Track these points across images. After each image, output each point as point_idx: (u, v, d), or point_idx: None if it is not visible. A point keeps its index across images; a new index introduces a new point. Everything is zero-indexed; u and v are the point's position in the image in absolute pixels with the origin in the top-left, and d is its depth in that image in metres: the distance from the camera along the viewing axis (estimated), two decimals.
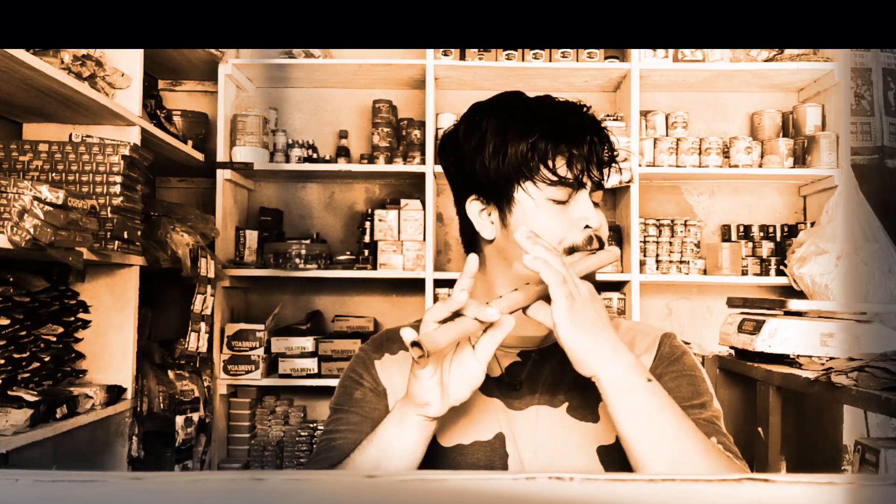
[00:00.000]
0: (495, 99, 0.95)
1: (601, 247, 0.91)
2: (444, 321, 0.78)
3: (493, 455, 0.90)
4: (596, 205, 0.92)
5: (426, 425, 0.82)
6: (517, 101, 0.94)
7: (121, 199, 2.00)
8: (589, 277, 0.89)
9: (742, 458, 0.87)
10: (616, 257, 0.90)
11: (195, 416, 2.50)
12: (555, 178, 0.88)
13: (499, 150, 0.89)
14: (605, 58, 2.96)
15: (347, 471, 0.84)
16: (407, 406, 0.82)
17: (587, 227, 0.90)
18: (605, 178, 0.93)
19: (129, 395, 2.14)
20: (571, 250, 0.89)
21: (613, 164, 0.93)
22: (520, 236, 0.81)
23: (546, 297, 0.80)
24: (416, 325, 0.84)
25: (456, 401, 0.81)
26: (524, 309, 0.82)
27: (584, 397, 0.92)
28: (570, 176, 0.88)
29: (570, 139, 0.88)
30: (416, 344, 0.74)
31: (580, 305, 0.78)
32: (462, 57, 2.95)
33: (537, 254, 0.79)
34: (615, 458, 0.87)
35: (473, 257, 0.81)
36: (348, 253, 2.99)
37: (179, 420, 2.42)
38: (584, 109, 0.93)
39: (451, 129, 0.97)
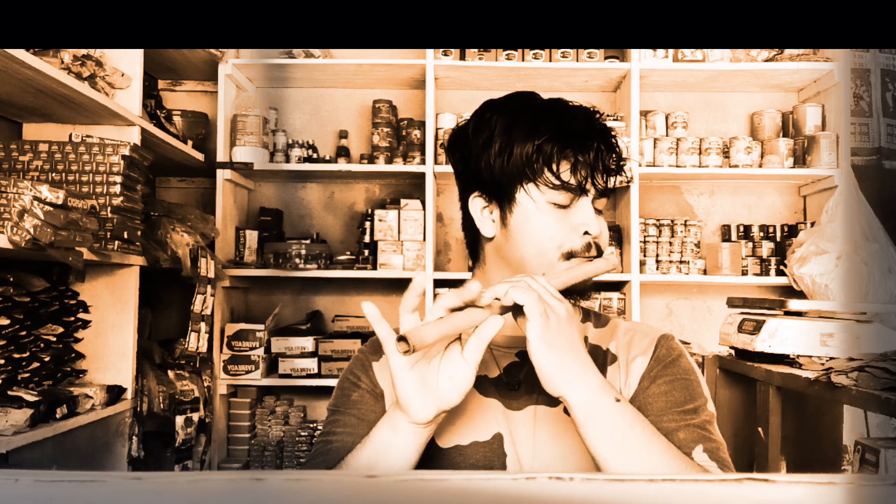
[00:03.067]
0: (508, 98, 0.95)
1: (599, 254, 0.91)
2: (416, 309, 0.78)
3: (492, 455, 0.90)
4: (599, 212, 0.91)
5: (418, 431, 0.81)
6: (529, 101, 0.93)
7: (121, 199, 2.00)
8: (584, 283, 0.89)
9: (731, 465, 0.87)
10: (613, 266, 0.90)
11: (195, 416, 2.50)
12: (557, 183, 0.87)
13: (504, 150, 0.88)
14: (605, 58, 2.95)
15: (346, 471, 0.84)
16: (396, 412, 0.81)
17: (586, 233, 0.90)
18: (610, 185, 0.92)
19: (129, 395, 2.14)
20: (569, 256, 0.89)
21: (620, 173, 0.92)
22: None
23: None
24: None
25: (447, 405, 0.79)
26: (514, 312, 0.81)
27: None
28: (573, 181, 0.88)
29: (576, 144, 0.88)
30: (402, 339, 0.73)
31: (554, 325, 0.78)
32: (462, 57, 2.95)
33: (516, 283, 0.78)
34: None
35: (477, 285, 0.79)
36: (348, 253, 2.99)
37: (179, 420, 2.42)
38: (596, 115, 0.92)
39: (462, 124, 0.96)
